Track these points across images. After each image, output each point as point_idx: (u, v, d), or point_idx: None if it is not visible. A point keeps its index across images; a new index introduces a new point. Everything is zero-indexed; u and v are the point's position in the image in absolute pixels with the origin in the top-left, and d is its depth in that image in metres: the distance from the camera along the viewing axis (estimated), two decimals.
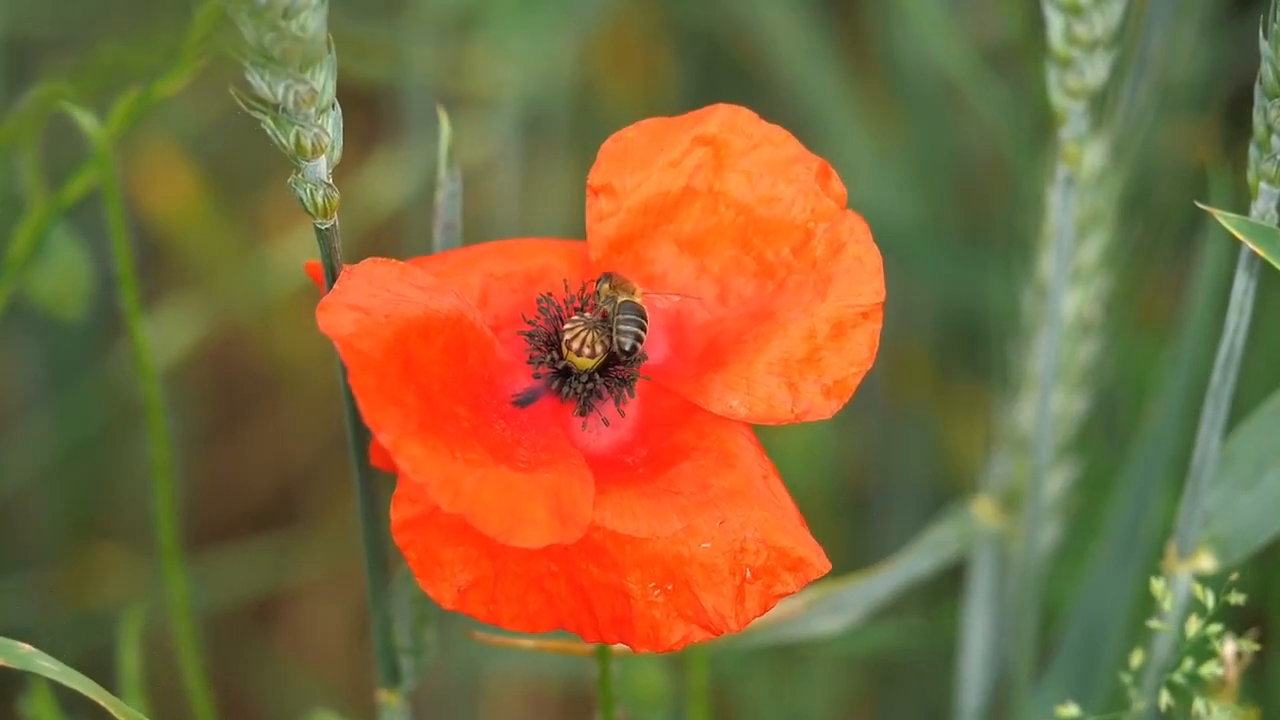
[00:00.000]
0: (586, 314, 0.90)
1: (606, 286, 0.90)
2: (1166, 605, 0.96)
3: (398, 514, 0.83)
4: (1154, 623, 0.98)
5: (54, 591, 1.75)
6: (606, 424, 0.90)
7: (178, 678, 1.23)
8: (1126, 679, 0.97)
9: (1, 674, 1.73)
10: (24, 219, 1.07)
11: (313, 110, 0.83)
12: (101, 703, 0.86)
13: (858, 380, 0.89)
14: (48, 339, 1.76)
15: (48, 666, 0.85)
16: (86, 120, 1.00)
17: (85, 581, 1.76)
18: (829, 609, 1.14)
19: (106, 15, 1.85)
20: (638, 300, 0.90)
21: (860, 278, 0.90)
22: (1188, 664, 0.93)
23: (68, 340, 1.76)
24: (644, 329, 0.90)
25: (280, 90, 0.82)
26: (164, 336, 1.70)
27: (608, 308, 0.90)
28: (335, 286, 0.85)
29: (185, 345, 1.72)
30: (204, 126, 1.87)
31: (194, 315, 1.73)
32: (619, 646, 0.97)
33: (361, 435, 0.92)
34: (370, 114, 1.88)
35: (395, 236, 1.85)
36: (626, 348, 0.89)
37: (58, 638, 1.73)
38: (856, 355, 0.89)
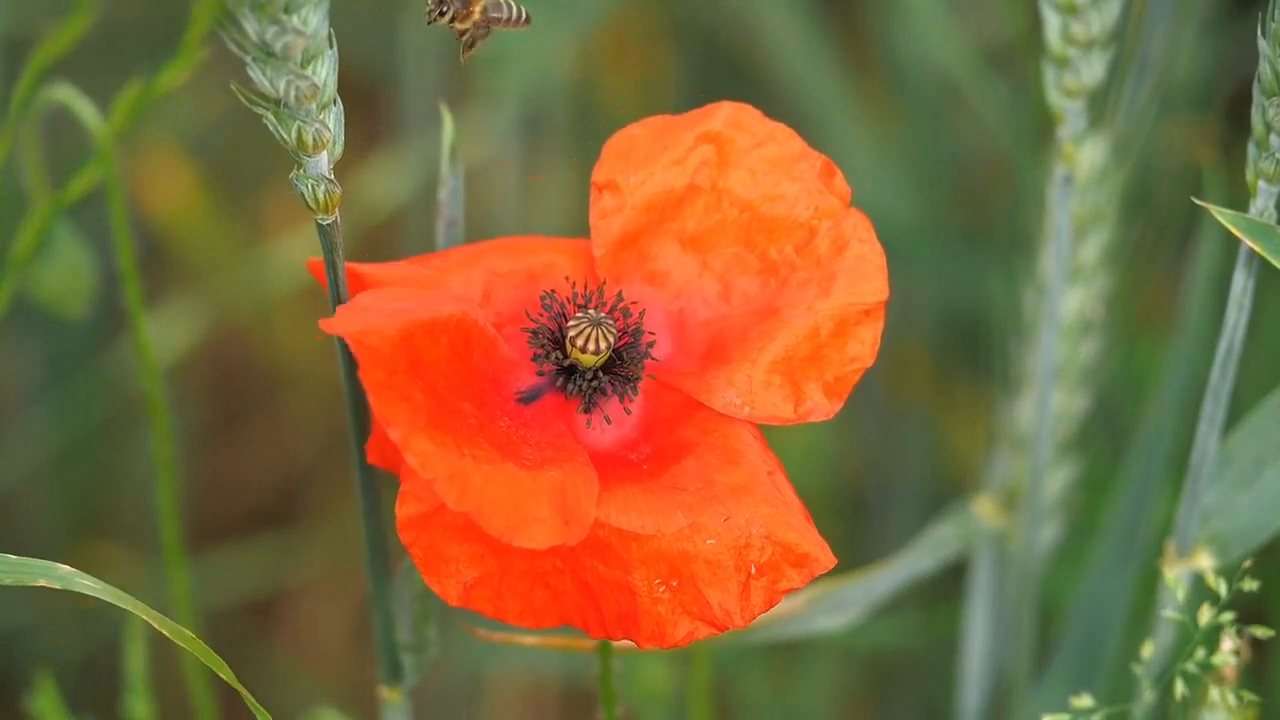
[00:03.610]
0: (590, 310, 0.90)
1: (458, 4, 0.91)
2: (1179, 595, 0.96)
3: (403, 511, 0.83)
4: (1167, 612, 0.98)
5: (53, 590, 1.74)
6: (609, 421, 0.90)
7: (177, 676, 1.23)
8: (1138, 669, 0.97)
9: (4, 673, 1.73)
10: (27, 217, 1.07)
11: (314, 105, 0.83)
12: (162, 630, 0.85)
13: (857, 378, 0.89)
14: (48, 337, 1.76)
15: (89, 585, 0.86)
16: (88, 113, 1.00)
17: None
18: (830, 606, 1.14)
19: (106, 15, 1.85)
20: None
21: (863, 275, 0.90)
22: (1199, 654, 0.93)
23: (68, 338, 1.76)
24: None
25: (282, 85, 0.82)
26: (164, 336, 1.70)
27: (464, 23, 0.91)
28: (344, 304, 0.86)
29: (185, 344, 1.72)
30: (204, 126, 1.87)
31: (194, 314, 1.73)
32: (622, 643, 0.97)
33: (362, 432, 0.92)
34: (370, 112, 1.88)
35: (395, 235, 1.85)
36: (520, 17, 0.91)
37: (58, 637, 1.73)
38: (858, 353, 0.89)
